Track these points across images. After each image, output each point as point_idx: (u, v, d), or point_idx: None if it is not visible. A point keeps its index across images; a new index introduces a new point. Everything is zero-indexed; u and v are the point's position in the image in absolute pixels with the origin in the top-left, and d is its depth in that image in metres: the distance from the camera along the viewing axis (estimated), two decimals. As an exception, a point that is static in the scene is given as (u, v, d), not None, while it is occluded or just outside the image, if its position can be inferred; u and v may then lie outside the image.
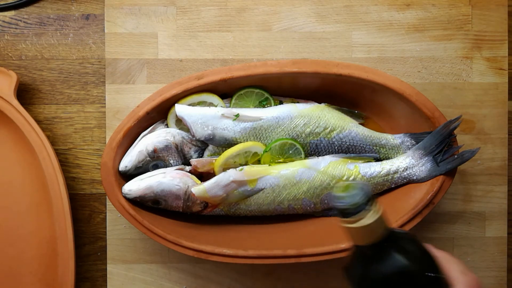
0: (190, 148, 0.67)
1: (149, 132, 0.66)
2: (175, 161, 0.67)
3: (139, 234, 0.72)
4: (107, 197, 0.70)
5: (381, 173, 0.67)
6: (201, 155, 0.67)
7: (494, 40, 0.73)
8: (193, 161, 0.65)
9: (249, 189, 0.65)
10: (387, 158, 0.69)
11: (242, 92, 0.67)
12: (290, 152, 0.67)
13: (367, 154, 0.68)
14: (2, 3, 0.72)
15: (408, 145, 0.68)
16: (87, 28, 0.73)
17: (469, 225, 0.73)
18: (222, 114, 0.65)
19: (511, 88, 0.74)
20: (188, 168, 0.66)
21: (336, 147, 0.67)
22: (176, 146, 0.66)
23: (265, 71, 0.64)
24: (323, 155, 0.67)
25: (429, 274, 0.43)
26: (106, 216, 0.72)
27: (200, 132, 0.65)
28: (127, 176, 0.66)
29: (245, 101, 0.67)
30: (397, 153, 0.68)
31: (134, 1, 0.72)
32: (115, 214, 0.72)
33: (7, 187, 0.70)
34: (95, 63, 0.73)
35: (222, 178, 0.64)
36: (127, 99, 0.72)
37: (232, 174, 0.64)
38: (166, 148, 0.65)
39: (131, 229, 0.72)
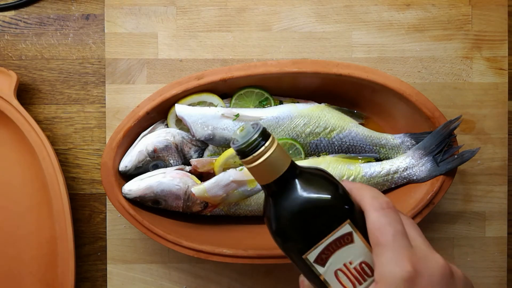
0: (190, 148, 0.67)
1: (149, 132, 0.66)
2: (175, 161, 0.67)
3: (139, 234, 0.72)
4: (107, 197, 0.70)
5: (381, 173, 0.67)
6: (201, 155, 0.67)
7: (494, 40, 0.73)
8: (193, 161, 0.65)
9: (249, 189, 0.65)
10: (387, 158, 0.69)
11: (242, 92, 0.67)
12: (290, 152, 0.67)
13: (367, 154, 0.68)
14: (2, 3, 0.72)
15: (408, 145, 0.68)
16: (87, 28, 0.73)
17: (469, 225, 0.73)
18: (222, 114, 0.65)
19: (511, 88, 0.74)
20: (188, 168, 0.66)
21: (336, 147, 0.67)
22: (176, 146, 0.66)
23: (265, 71, 0.64)
24: (323, 155, 0.67)
25: (336, 199, 0.43)
26: (106, 216, 0.72)
27: (200, 132, 0.65)
28: (127, 176, 0.66)
29: (245, 101, 0.67)
30: (397, 153, 0.68)
31: (134, 1, 0.72)
32: (115, 214, 0.72)
33: (7, 187, 0.70)
34: (95, 63, 0.73)
35: (222, 178, 0.64)
36: (127, 99, 0.72)
37: (232, 174, 0.64)
38: (166, 148, 0.65)
39: (131, 229, 0.72)
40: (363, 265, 0.43)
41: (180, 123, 0.67)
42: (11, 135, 0.69)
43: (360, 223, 0.43)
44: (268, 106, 0.68)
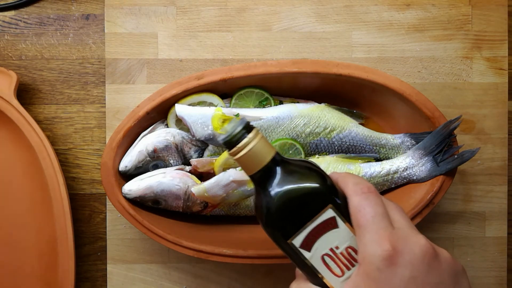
0: (190, 148, 0.67)
1: (149, 132, 0.66)
2: (175, 161, 0.67)
3: (139, 234, 0.72)
4: (107, 197, 0.70)
5: (381, 173, 0.67)
6: (201, 155, 0.67)
7: (494, 40, 0.73)
8: (193, 161, 0.65)
9: (249, 189, 0.65)
10: (387, 158, 0.69)
11: (242, 92, 0.67)
12: (290, 152, 0.67)
13: (367, 154, 0.68)
14: (2, 3, 0.72)
15: (408, 145, 0.68)
16: (87, 28, 0.73)
17: (469, 225, 0.73)
18: (222, 114, 0.65)
19: (511, 88, 0.74)
20: (188, 168, 0.66)
21: (336, 147, 0.67)
22: (176, 146, 0.66)
23: (265, 71, 0.64)
24: (323, 155, 0.67)
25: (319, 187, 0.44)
26: (106, 216, 0.72)
27: (200, 132, 0.65)
28: (127, 176, 0.66)
29: (245, 101, 0.67)
30: (397, 153, 0.68)
31: (134, 1, 0.72)
32: (115, 214, 0.72)
33: (7, 187, 0.70)
34: (95, 63, 0.73)
35: (222, 178, 0.64)
36: (127, 99, 0.72)
37: (232, 174, 0.64)
38: (166, 148, 0.65)
39: (131, 229, 0.72)
40: (350, 250, 0.44)
41: (180, 123, 0.67)
42: (11, 135, 0.69)
43: (345, 211, 0.44)
44: (268, 106, 0.68)
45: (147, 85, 0.72)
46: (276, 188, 0.44)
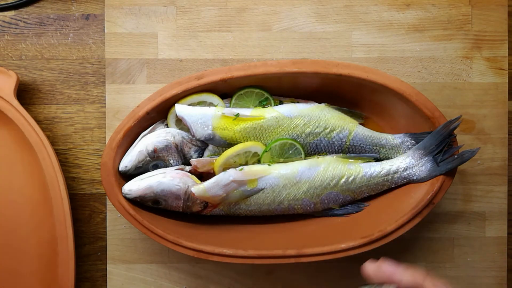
0: (190, 148, 0.67)
1: (149, 132, 0.66)
2: (175, 161, 0.67)
3: (139, 234, 0.72)
4: (107, 197, 0.70)
5: (381, 173, 0.67)
6: (201, 155, 0.67)
7: (494, 40, 0.73)
8: (193, 161, 0.65)
9: (249, 189, 0.65)
10: (387, 158, 0.69)
11: (242, 92, 0.67)
12: (290, 152, 0.67)
13: (367, 154, 0.68)
14: (2, 3, 0.72)
15: (408, 145, 0.68)
16: (87, 28, 0.73)
17: (469, 225, 0.73)
18: (222, 114, 0.65)
19: (511, 88, 0.74)
20: (188, 168, 0.66)
21: (336, 147, 0.67)
22: (176, 146, 0.66)
23: (265, 71, 0.64)
24: (323, 155, 0.67)
25: None
26: (106, 216, 0.72)
27: (200, 132, 0.65)
28: (127, 176, 0.66)
29: (245, 101, 0.67)
30: (397, 153, 0.68)
31: (134, 1, 0.72)
32: (115, 214, 0.72)
33: (7, 187, 0.70)
34: (95, 63, 0.73)
35: (222, 178, 0.64)
36: (127, 99, 0.72)
37: (232, 174, 0.64)
38: (166, 148, 0.65)
39: (131, 229, 0.72)
40: None
41: (180, 123, 0.67)
42: (11, 135, 0.69)
43: None
44: (268, 106, 0.68)
45: (147, 85, 0.72)
46: None
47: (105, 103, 0.72)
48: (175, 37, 0.72)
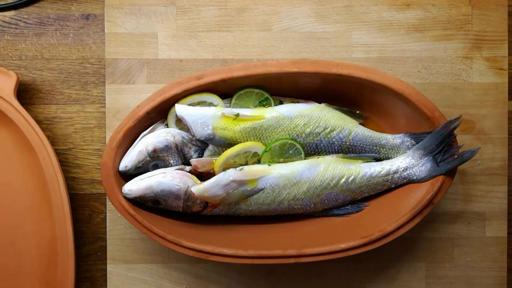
0: (190, 148, 0.67)
1: (149, 132, 0.66)
2: (175, 161, 0.67)
3: (139, 234, 0.72)
4: (107, 197, 0.70)
5: (381, 173, 0.67)
6: (201, 155, 0.67)
7: (494, 40, 0.73)
8: (193, 161, 0.65)
9: (249, 189, 0.65)
10: (387, 158, 0.69)
11: (242, 92, 0.67)
12: (290, 152, 0.67)
13: (367, 154, 0.68)
14: (2, 3, 0.72)
15: (408, 145, 0.68)
16: (87, 28, 0.73)
17: (469, 225, 0.73)
18: (222, 114, 0.65)
19: (511, 88, 0.74)
20: (188, 168, 0.66)
21: (336, 147, 0.67)
22: (176, 146, 0.66)
23: (265, 71, 0.64)
24: (323, 155, 0.67)
25: None
26: (106, 216, 0.72)
27: (200, 132, 0.65)
28: (127, 176, 0.66)
29: (245, 101, 0.67)
30: (397, 153, 0.68)
31: (134, 1, 0.72)
32: (115, 214, 0.72)
33: (7, 187, 0.70)
34: (95, 63, 0.73)
35: (222, 178, 0.64)
36: (127, 99, 0.72)
37: (232, 174, 0.64)
38: (166, 148, 0.65)
39: (131, 229, 0.72)
40: None
41: (180, 123, 0.67)
42: (11, 135, 0.69)
43: None
44: (268, 106, 0.68)
45: (147, 85, 0.72)
46: None
47: (105, 103, 0.72)
48: (175, 37, 0.72)
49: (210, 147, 0.67)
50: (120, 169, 0.65)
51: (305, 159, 0.67)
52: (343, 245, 0.63)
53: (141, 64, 0.72)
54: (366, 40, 0.72)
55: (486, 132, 0.73)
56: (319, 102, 0.68)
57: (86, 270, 0.73)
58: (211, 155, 0.67)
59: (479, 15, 0.73)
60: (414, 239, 0.73)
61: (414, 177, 0.67)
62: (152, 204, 0.66)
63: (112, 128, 0.72)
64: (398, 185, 0.68)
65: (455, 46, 0.73)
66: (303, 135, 0.66)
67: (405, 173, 0.67)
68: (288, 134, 0.66)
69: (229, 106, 0.67)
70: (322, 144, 0.67)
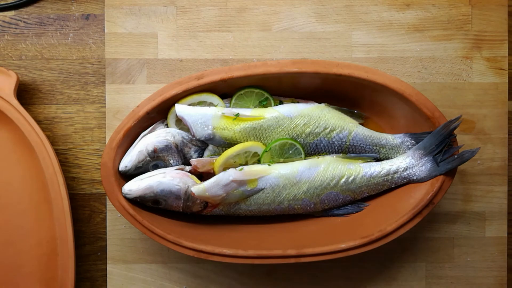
0: (190, 148, 0.67)
1: (149, 132, 0.66)
2: (175, 161, 0.67)
3: (139, 234, 0.72)
4: (107, 197, 0.70)
5: (381, 173, 0.67)
6: (201, 155, 0.67)
7: (494, 40, 0.73)
8: (193, 161, 0.65)
9: (249, 189, 0.65)
10: (387, 158, 0.69)
11: (242, 92, 0.67)
12: (290, 152, 0.67)
13: (367, 154, 0.68)
14: (2, 3, 0.72)
15: (408, 145, 0.68)
16: (87, 28, 0.73)
17: (469, 225, 0.73)
18: (222, 114, 0.65)
19: (511, 88, 0.74)
20: (188, 168, 0.66)
21: (336, 147, 0.67)
22: (176, 146, 0.66)
23: (265, 71, 0.64)
24: (323, 155, 0.67)
25: None
26: (106, 216, 0.72)
27: (200, 132, 0.65)
28: (127, 176, 0.66)
29: (245, 101, 0.67)
30: (397, 153, 0.68)
31: (134, 1, 0.72)
32: (115, 214, 0.72)
33: (7, 187, 0.70)
34: (95, 63, 0.73)
35: (222, 178, 0.64)
36: (127, 99, 0.72)
37: (232, 174, 0.64)
38: (166, 148, 0.65)
39: (131, 229, 0.72)
40: None
41: (180, 123, 0.67)
42: (11, 135, 0.69)
43: None
44: (268, 106, 0.68)
45: (147, 85, 0.72)
46: None
47: (105, 103, 0.72)
48: (175, 37, 0.72)
49: (210, 147, 0.67)
50: (120, 169, 0.65)
51: (305, 159, 0.67)
52: (343, 245, 0.63)
53: (141, 64, 0.72)
54: (366, 40, 0.72)
55: (486, 132, 0.73)
56: (319, 102, 0.68)
57: (86, 270, 0.73)
58: (211, 155, 0.67)
59: (479, 15, 0.73)
60: (414, 239, 0.73)
61: (414, 177, 0.67)
62: (152, 204, 0.66)
63: (112, 128, 0.72)
64: (398, 185, 0.68)
65: (455, 46, 0.73)
66: (303, 135, 0.66)
67: (405, 173, 0.67)
68: (288, 134, 0.66)
69: (229, 106, 0.67)
70: (322, 144, 0.67)
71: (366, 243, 0.64)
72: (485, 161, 0.73)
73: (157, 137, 0.65)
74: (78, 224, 0.73)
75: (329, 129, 0.67)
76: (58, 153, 0.72)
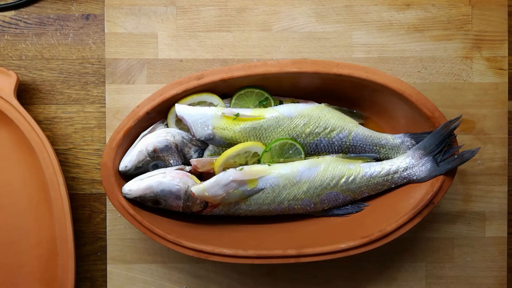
0: (190, 148, 0.67)
1: (149, 132, 0.66)
2: (175, 161, 0.67)
3: (139, 234, 0.72)
4: (107, 197, 0.70)
5: (381, 173, 0.67)
6: (201, 155, 0.67)
7: (494, 40, 0.73)
8: (193, 161, 0.65)
9: (249, 189, 0.65)
10: (387, 158, 0.69)
11: (242, 92, 0.67)
12: (290, 152, 0.67)
13: (367, 154, 0.68)
14: (2, 3, 0.72)
15: (408, 145, 0.68)
16: (87, 28, 0.73)
17: (469, 225, 0.73)
18: (222, 114, 0.65)
19: (511, 88, 0.74)
20: (188, 168, 0.66)
21: (336, 147, 0.67)
22: (176, 146, 0.66)
23: (265, 71, 0.64)
24: (323, 155, 0.67)
25: None
26: (106, 216, 0.72)
27: (200, 132, 0.65)
28: (127, 176, 0.66)
29: (245, 101, 0.67)
30: (397, 153, 0.68)
31: (134, 1, 0.72)
32: (115, 214, 0.72)
33: (7, 187, 0.70)
34: (95, 63, 0.73)
35: (222, 178, 0.64)
36: (127, 99, 0.72)
37: (232, 174, 0.64)
38: (166, 148, 0.65)
39: (131, 229, 0.72)
40: None
41: (180, 123, 0.67)
42: (11, 135, 0.69)
43: None
44: (268, 106, 0.68)
45: (147, 85, 0.72)
46: None
47: (105, 103, 0.72)
48: (175, 37, 0.72)
49: (210, 147, 0.67)
50: (120, 169, 0.65)
51: (305, 159, 0.67)
52: (343, 245, 0.63)
53: (141, 64, 0.72)
54: (366, 40, 0.72)
55: (486, 132, 0.73)
56: (319, 102, 0.68)
57: (86, 270, 0.73)
58: (211, 155, 0.67)
59: (479, 15, 0.73)
60: (414, 239, 0.73)
61: (414, 177, 0.67)
62: (152, 204, 0.66)
63: (112, 128, 0.72)
64: (398, 185, 0.68)
65: (455, 46, 0.73)
66: (303, 135, 0.66)
67: (405, 173, 0.67)
68: (288, 134, 0.66)
69: (229, 106, 0.67)
70: (322, 144, 0.67)
71: (366, 243, 0.64)
72: (485, 161, 0.73)
73: (157, 137, 0.65)
74: (78, 224, 0.73)
75: (329, 129, 0.67)
76: (58, 153, 0.72)
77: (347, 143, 0.67)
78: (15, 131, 0.68)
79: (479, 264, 0.73)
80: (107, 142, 0.68)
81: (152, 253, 0.72)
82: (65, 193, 0.66)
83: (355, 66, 0.64)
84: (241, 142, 0.66)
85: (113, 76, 0.72)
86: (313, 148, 0.67)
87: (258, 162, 0.67)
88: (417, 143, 0.67)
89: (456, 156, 0.65)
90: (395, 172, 0.67)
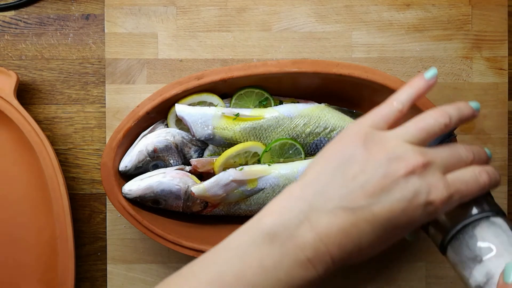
0: (190, 148, 0.67)
1: (149, 132, 0.66)
2: (175, 161, 0.67)
3: (139, 234, 0.72)
4: (107, 197, 0.70)
5: (381, 173, 0.67)
6: (201, 155, 0.67)
7: (494, 40, 0.73)
8: (193, 161, 0.65)
9: (249, 189, 0.65)
10: (387, 158, 0.69)
11: (242, 92, 0.67)
12: (290, 152, 0.67)
13: (367, 154, 0.68)
14: (2, 3, 0.72)
15: (408, 145, 0.68)
16: (87, 28, 0.73)
17: (469, 225, 0.73)
18: (222, 114, 0.65)
19: (511, 88, 0.74)
20: (188, 168, 0.66)
21: (336, 147, 0.67)
22: (176, 146, 0.66)
23: (265, 71, 0.64)
24: (323, 155, 0.67)
25: None
26: (106, 216, 0.72)
27: (200, 132, 0.65)
28: (127, 176, 0.66)
29: (245, 101, 0.68)
30: (397, 153, 0.68)
31: (134, 1, 0.72)
32: (115, 214, 0.72)
33: (7, 187, 0.70)
34: (95, 63, 0.73)
35: (222, 178, 0.64)
36: (127, 99, 0.72)
37: (232, 174, 0.64)
38: (166, 148, 0.65)
39: (131, 229, 0.72)
40: None
41: (180, 123, 0.67)
42: (11, 135, 0.69)
43: None
44: (268, 106, 0.68)
45: (147, 85, 0.72)
46: None
47: (105, 103, 0.72)
48: (175, 37, 0.72)
49: (210, 147, 0.67)
50: (120, 169, 0.65)
51: (305, 159, 0.67)
52: (343, 245, 0.63)
53: (141, 64, 0.72)
54: (366, 40, 0.72)
55: (486, 132, 0.73)
56: (319, 102, 0.68)
57: (86, 270, 0.73)
58: (211, 155, 0.67)
59: (479, 15, 0.73)
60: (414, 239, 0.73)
61: (414, 177, 0.67)
62: (152, 204, 0.66)
63: (112, 128, 0.72)
64: (398, 185, 0.68)
65: (455, 46, 0.73)
66: (303, 135, 0.66)
67: (405, 173, 0.67)
68: (288, 134, 0.66)
69: (229, 106, 0.67)
70: (322, 144, 0.67)
71: (366, 243, 0.63)
72: (485, 161, 0.73)
73: (157, 137, 0.65)
74: (78, 224, 0.73)
75: (329, 129, 0.67)
76: (58, 153, 0.72)
77: (347, 143, 0.67)
78: (15, 131, 0.68)
79: (479, 264, 0.73)
80: (107, 142, 0.68)
81: (152, 253, 0.72)
82: (65, 193, 0.66)
83: (355, 66, 0.64)
84: (241, 142, 0.66)
85: (113, 76, 0.72)
86: (313, 148, 0.67)
87: (258, 162, 0.67)
88: (417, 143, 0.67)
89: (456, 156, 0.64)
90: (395, 172, 0.67)
